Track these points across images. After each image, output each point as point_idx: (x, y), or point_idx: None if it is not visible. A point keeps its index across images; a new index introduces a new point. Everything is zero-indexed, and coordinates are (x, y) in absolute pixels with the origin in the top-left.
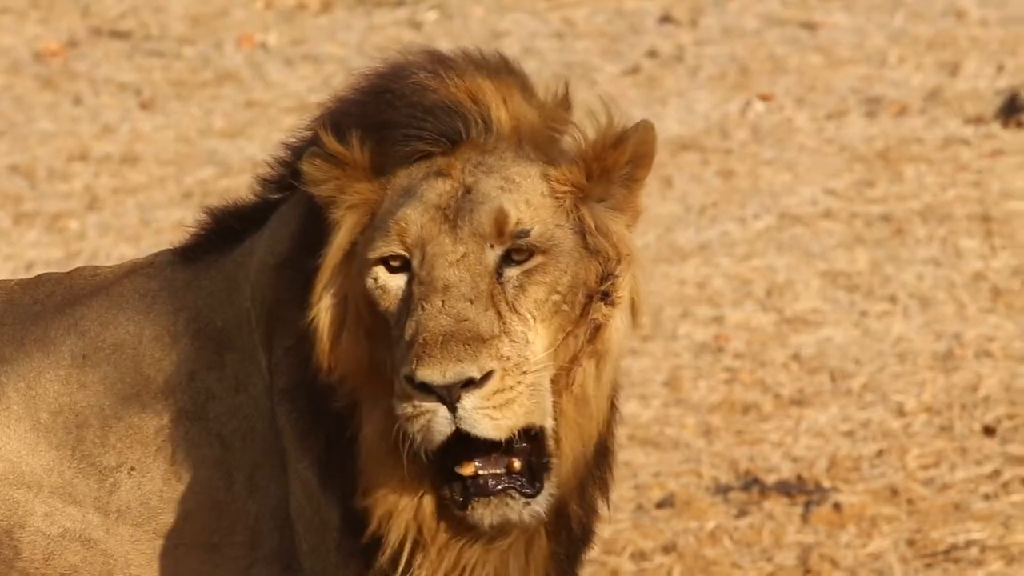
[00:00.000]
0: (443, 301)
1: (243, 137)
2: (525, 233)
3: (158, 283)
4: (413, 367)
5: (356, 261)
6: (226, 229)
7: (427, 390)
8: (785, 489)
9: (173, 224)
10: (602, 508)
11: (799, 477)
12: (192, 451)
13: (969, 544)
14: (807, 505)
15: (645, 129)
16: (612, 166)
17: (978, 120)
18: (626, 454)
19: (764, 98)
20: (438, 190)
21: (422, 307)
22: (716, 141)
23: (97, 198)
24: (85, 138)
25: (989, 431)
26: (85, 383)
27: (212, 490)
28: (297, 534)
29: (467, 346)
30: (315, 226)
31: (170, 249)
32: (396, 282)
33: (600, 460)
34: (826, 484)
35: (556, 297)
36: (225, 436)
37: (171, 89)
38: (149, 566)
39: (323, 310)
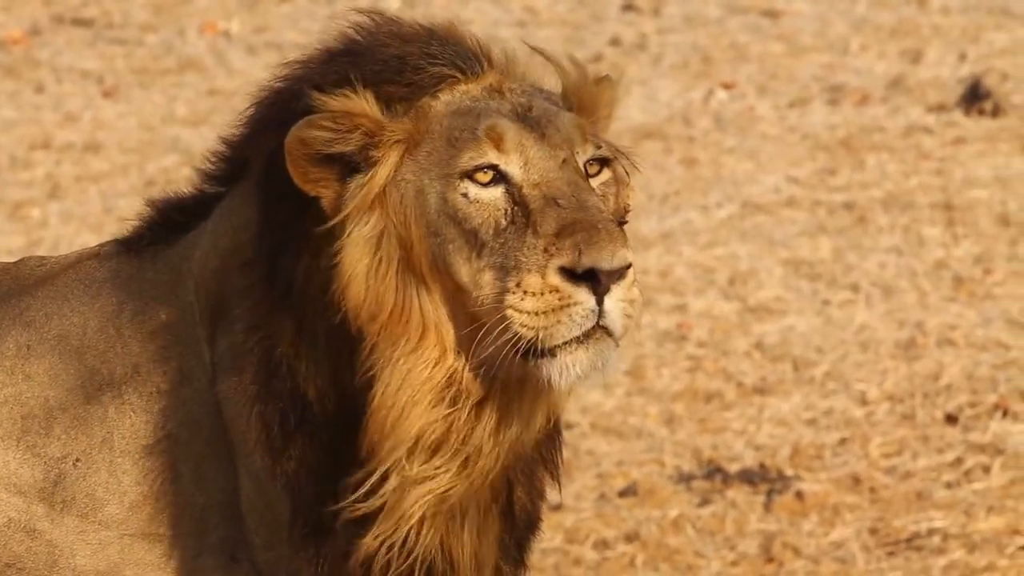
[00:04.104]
0: (575, 197)
1: (206, 125)
2: (599, 145)
3: (103, 274)
4: (577, 255)
5: (396, 192)
6: (169, 221)
7: (588, 278)
8: (748, 477)
9: (136, 213)
10: (551, 492)
11: (762, 465)
12: (137, 443)
13: (931, 532)
14: (770, 494)
15: (616, 82)
16: (600, 100)
17: (940, 108)
18: (589, 443)
19: (727, 86)
20: (505, 105)
21: (557, 203)
22: (679, 129)
23: (59, 186)
24: (47, 126)
25: (951, 419)
26: (30, 374)
27: (158, 481)
28: (249, 529)
29: (621, 233)
30: (266, 219)
31: (115, 240)
32: (491, 194)
33: (550, 442)
34: (789, 472)
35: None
36: (170, 429)
37: (134, 77)
38: (95, 556)
39: (355, 245)
